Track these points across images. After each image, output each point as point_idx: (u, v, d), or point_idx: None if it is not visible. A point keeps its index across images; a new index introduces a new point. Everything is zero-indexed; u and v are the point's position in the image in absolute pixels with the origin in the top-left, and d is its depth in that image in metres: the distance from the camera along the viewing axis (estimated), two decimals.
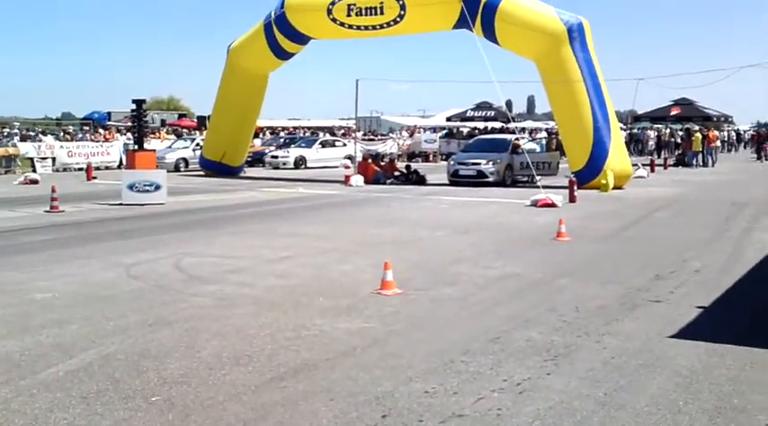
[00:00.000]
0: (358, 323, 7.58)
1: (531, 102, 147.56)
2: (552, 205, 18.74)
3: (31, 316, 7.80)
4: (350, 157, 34.96)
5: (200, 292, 9.04)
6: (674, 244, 13.02)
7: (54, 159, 34.90)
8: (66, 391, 5.60)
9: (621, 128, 34.03)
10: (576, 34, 24.03)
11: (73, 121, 62.70)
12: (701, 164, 39.17)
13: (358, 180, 26.70)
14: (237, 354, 6.53)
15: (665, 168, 36.72)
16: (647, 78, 28.49)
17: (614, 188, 23.39)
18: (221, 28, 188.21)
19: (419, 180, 27.64)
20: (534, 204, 19.09)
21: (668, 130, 50.06)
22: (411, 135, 51.22)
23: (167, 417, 5.15)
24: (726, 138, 58.04)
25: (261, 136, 48.68)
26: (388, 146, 44.29)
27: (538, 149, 29.38)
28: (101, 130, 44.61)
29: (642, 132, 53.05)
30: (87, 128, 47.67)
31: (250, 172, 34.23)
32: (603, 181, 23.17)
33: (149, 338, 7.02)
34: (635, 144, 49.38)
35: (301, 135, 50.00)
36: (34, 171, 31.94)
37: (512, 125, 35.91)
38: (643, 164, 32.25)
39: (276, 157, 38.57)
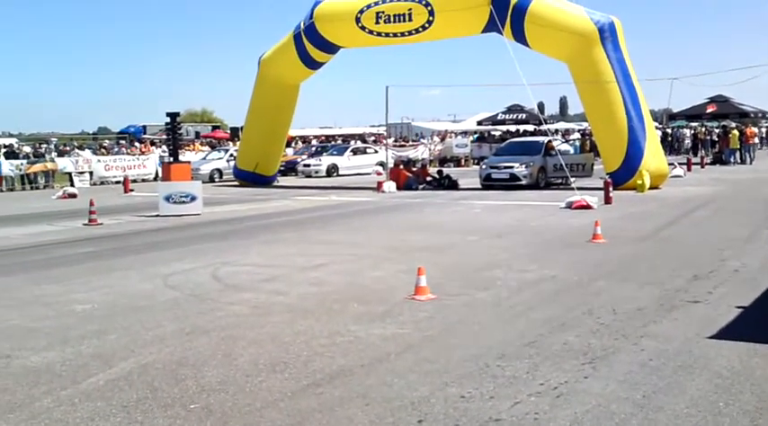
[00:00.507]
0: (392, 328, 7.59)
1: (563, 104, 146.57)
2: (587, 207, 18.61)
3: (71, 327, 7.92)
4: (381, 164, 35.04)
5: (236, 301, 9.11)
6: (713, 243, 12.86)
7: (91, 173, 35.44)
8: (106, 400, 5.68)
9: (656, 128, 33.68)
10: (607, 34, 23.86)
11: (109, 135, 63.54)
12: (739, 161, 38.65)
13: (390, 186, 26.74)
14: (274, 361, 6.57)
15: (702, 167, 36.28)
16: (682, 77, 28.25)
17: (651, 188, 23.16)
18: (252, 40, 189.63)
19: (451, 185, 27.61)
20: (569, 206, 18.97)
21: (704, 128, 49.45)
22: (442, 140, 51.17)
23: (206, 424, 5.20)
24: (764, 135, 57.14)
25: (293, 145, 48.98)
26: (419, 152, 44.28)
27: (571, 151, 29.19)
28: (137, 144, 45.14)
29: (678, 131, 52.49)
30: (123, 141, 48.26)
31: (283, 181, 34.44)
32: (639, 182, 22.95)
33: (187, 346, 7.09)
34: (671, 143, 48.86)
35: (333, 143, 50.19)
36: (72, 185, 32.40)
37: (544, 127, 35.66)
38: (679, 163, 31.90)
39: (308, 166, 38.78)
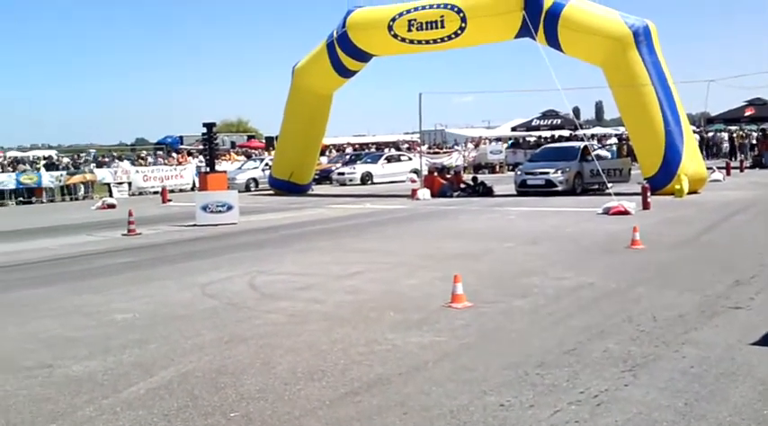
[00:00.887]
0: (429, 336, 7.58)
1: (599, 109, 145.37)
2: (625, 212, 18.43)
3: (111, 337, 8.01)
4: (416, 171, 35.03)
5: (273, 309, 9.16)
6: (754, 248, 12.68)
7: (130, 183, 35.87)
8: (147, 409, 5.74)
9: (694, 131, 33.31)
10: (642, 37, 23.66)
11: (147, 146, 64.26)
12: None
13: (425, 193, 26.73)
14: (311, 369, 6.59)
15: (742, 170, 35.76)
16: (719, 80, 27.92)
17: (689, 193, 22.87)
18: (286, 50, 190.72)
19: (486, 191, 27.52)
20: (606, 212, 18.81)
21: (742, 132, 48.80)
22: (476, 146, 51.06)
23: None
24: None
25: (327, 153, 49.17)
26: (453, 159, 44.22)
27: (608, 156, 28.92)
28: (174, 154, 45.61)
29: (716, 134, 51.86)
30: (161, 152, 48.78)
31: (318, 189, 34.58)
32: (678, 187, 22.70)
33: (226, 355, 7.14)
34: (709, 147, 48.29)
35: (367, 151, 50.29)
36: (111, 195, 32.82)
37: (580, 132, 35.42)
38: (718, 167, 31.49)
39: (343, 174, 38.90)
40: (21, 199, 32.48)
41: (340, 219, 20.97)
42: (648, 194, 20.06)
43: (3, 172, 33.14)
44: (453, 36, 26.53)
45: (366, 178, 38.34)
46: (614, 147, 42.37)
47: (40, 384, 6.46)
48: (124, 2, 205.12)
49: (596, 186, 26.10)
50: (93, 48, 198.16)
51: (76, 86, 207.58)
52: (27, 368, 6.91)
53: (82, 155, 41.86)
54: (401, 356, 6.93)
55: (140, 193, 35.88)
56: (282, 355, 7.09)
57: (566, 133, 51.17)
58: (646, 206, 19.67)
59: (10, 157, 40.25)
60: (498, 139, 55.76)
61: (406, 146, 56.37)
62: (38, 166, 35.85)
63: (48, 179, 33.42)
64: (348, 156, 45.64)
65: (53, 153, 55.58)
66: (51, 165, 36.86)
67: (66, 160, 40.27)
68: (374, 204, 25.53)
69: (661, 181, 23.11)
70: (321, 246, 15.11)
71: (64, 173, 34.70)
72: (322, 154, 41.47)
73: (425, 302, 9.19)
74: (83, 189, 34.68)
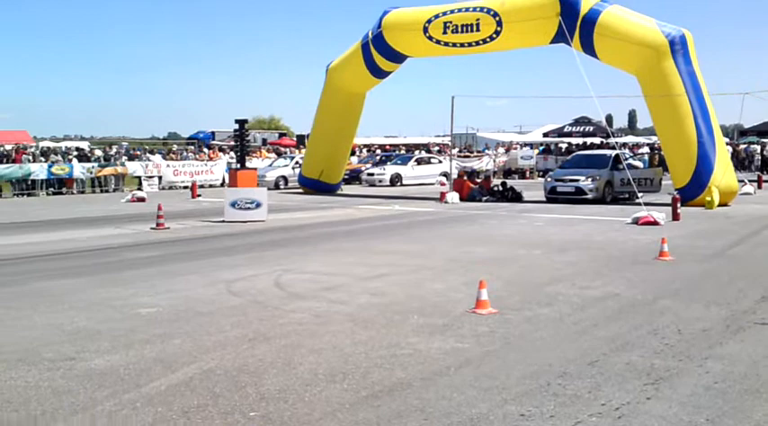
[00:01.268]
0: (452, 342, 7.55)
1: (632, 117, 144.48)
2: (654, 223, 18.27)
3: (135, 331, 8.07)
4: (445, 174, 34.96)
5: (298, 308, 9.18)
6: None
7: (160, 178, 36.14)
8: (167, 405, 5.77)
9: (726, 143, 32.94)
10: (678, 47, 23.42)
11: (178, 141, 64.72)
12: None
13: (453, 197, 26.66)
14: (333, 371, 6.60)
15: None
16: (754, 92, 27.62)
17: (719, 205, 22.64)
18: (320, 48, 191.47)
19: (515, 197, 27.41)
20: (635, 222, 18.65)
21: None
22: (507, 151, 50.88)
23: None
24: None
25: (357, 153, 49.23)
26: (483, 163, 44.09)
27: (641, 165, 28.70)
28: (205, 150, 45.91)
29: (748, 147, 51.27)
30: (192, 147, 49.12)
31: (347, 189, 34.63)
32: (708, 198, 22.47)
33: (248, 354, 7.17)
34: (741, 159, 47.71)
35: (397, 152, 50.30)
36: (141, 189, 33.10)
37: (612, 140, 35.15)
38: (750, 180, 31.11)
39: (372, 175, 38.93)
40: (52, 189, 32.86)
41: (368, 220, 20.99)
42: (678, 205, 19.87)
43: (35, 162, 33.51)
44: (488, 40, 26.44)
45: (395, 179, 38.35)
46: (646, 157, 42.03)
47: (62, 376, 6.52)
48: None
49: (626, 195, 25.90)
50: (128, 42, 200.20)
51: (111, 79, 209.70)
52: (50, 360, 6.98)
53: (114, 147, 42.17)
54: (423, 361, 6.91)
55: (170, 187, 36.17)
56: (305, 355, 7.10)
57: (597, 140, 50.83)
58: (675, 217, 19.48)
59: (43, 147, 40.61)
60: (529, 145, 55.54)
61: (437, 148, 56.31)
62: (70, 157, 36.22)
63: (79, 170, 33.76)
64: (378, 157, 45.67)
65: (85, 144, 56.18)
66: (83, 157, 37.25)
67: (98, 152, 40.65)
68: (402, 206, 25.52)
69: (692, 192, 22.90)
70: (348, 247, 15.13)
71: (95, 164, 35.04)
72: (352, 154, 41.52)
73: (450, 307, 9.17)
74: (113, 181, 35.02)
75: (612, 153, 27.74)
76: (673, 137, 23.90)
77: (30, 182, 32.14)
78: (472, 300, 9.06)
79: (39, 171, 32.24)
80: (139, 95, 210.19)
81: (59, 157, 35.44)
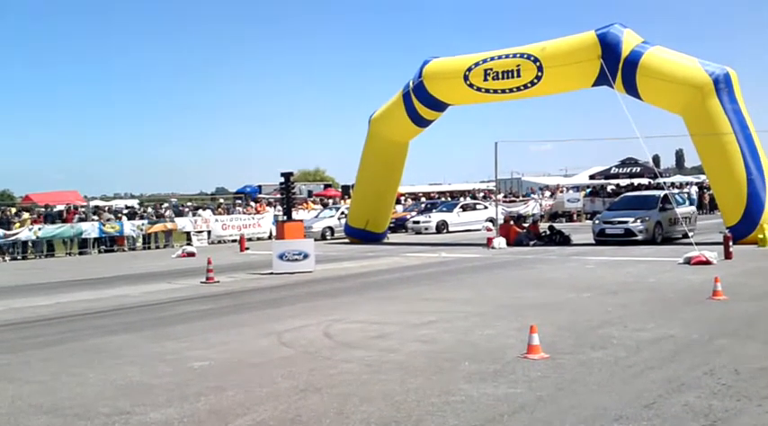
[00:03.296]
0: (504, 388, 7.48)
1: (679, 156, 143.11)
2: (707, 262, 18.00)
3: (189, 384, 8.14)
4: (491, 220, 34.88)
5: (348, 358, 9.18)
6: None
7: (209, 232, 36.62)
8: None
9: None
10: (722, 85, 23.28)
11: (226, 195, 65.57)
12: None
13: (500, 242, 26.56)
14: (385, 420, 6.57)
15: None
16: None
17: None
18: (363, 100, 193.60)
19: (563, 240, 27.22)
20: (687, 262, 18.39)
21: None
22: (552, 194, 50.63)
23: None
24: None
25: (402, 202, 49.37)
26: (529, 207, 43.91)
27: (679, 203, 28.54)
28: (252, 203, 46.44)
29: None
30: (240, 201, 49.74)
31: (393, 237, 34.70)
32: (761, 236, 22.10)
33: (300, 404, 7.17)
34: None
35: (442, 199, 50.36)
36: (191, 244, 33.54)
37: (660, 180, 34.85)
38: None
39: (418, 222, 38.99)
40: (103, 247, 33.48)
41: (415, 268, 20.98)
42: (731, 243, 19.55)
43: (86, 221, 34.23)
44: (530, 85, 26.54)
45: (441, 226, 38.37)
46: (683, 195, 41.59)
47: None
48: (207, 52, 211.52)
49: (678, 235, 25.60)
50: (173, 98, 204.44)
51: (158, 137, 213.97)
52: (105, 415, 7.06)
53: (163, 205, 42.89)
54: (475, 408, 6.85)
55: (219, 242, 36.60)
56: (357, 405, 7.08)
57: (645, 181, 50.34)
58: (728, 256, 19.17)
59: (93, 206, 41.48)
60: (576, 187, 55.21)
61: (482, 194, 56.25)
62: (120, 215, 36.95)
63: (129, 227, 34.39)
64: (424, 205, 45.75)
65: (135, 202, 57.20)
66: (133, 214, 37.96)
67: (149, 210, 41.38)
68: (449, 253, 25.48)
69: (743, 230, 22.55)
70: (396, 295, 15.12)
71: (145, 221, 35.67)
72: (397, 202, 41.68)
73: (501, 353, 9.09)
74: (163, 237, 35.56)
75: (661, 193, 27.48)
76: (722, 175, 23.63)
77: (82, 241, 32.79)
78: (523, 345, 8.98)
79: (90, 229, 32.89)
80: (187, 152, 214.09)
81: (111, 216, 36.12)
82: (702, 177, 52.33)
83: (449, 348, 9.55)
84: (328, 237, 36.38)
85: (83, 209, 37.81)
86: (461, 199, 49.45)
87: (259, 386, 7.90)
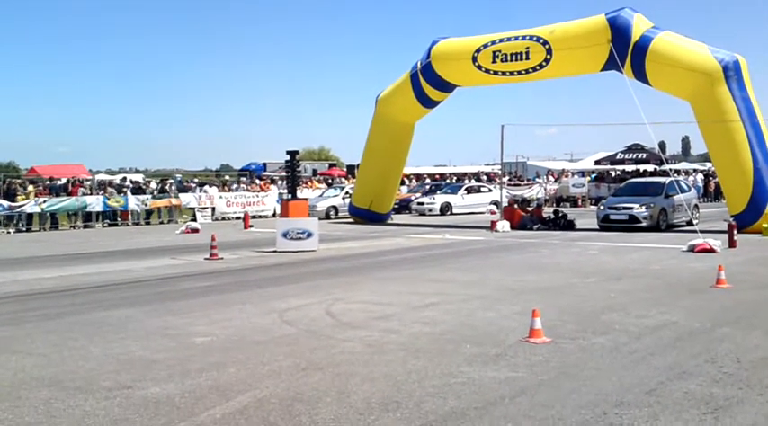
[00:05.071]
0: (506, 371, 7.49)
1: (685, 143, 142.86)
2: (711, 250, 17.97)
3: (190, 360, 8.16)
4: (495, 203, 34.84)
5: (350, 337, 9.19)
6: None
7: (213, 209, 36.63)
8: None
9: None
10: (731, 72, 23.14)
11: (231, 172, 65.55)
12: None
13: (504, 225, 26.53)
14: (386, 400, 6.58)
15: None
16: None
17: None
18: (370, 79, 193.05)
19: (567, 225, 27.18)
20: (691, 249, 18.37)
21: None
22: (557, 179, 50.53)
23: None
24: None
25: (407, 183, 49.33)
26: (534, 191, 43.85)
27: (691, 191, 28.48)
28: (257, 181, 46.45)
29: None
30: (245, 178, 49.73)
31: (397, 218, 34.69)
32: (765, 225, 22.05)
33: (302, 382, 7.19)
34: None
35: (447, 181, 50.30)
36: (195, 220, 33.57)
37: (665, 167, 34.74)
38: None
39: (422, 204, 38.97)
40: (107, 221, 33.53)
41: (418, 249, 20.98)
42: (735, 232, 19.51)
43: (91, 194, 34.25)
44: (538, 68, 26.42)
45: (445, 208, 38.34)
46: (700, 183, 41.43)
47: (119, 405, 6.61)
48: (216, 31, 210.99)
49: (683, 222, 25.57)
50: (180, 76, 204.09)
51: (165, 112, 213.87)
52: (106, 389, 7.08)
53: (168, 180, 42.90)
54: (477, 390, 6.86)
55: (223, 218, 36.63)
56: (358, 384, 7.09)
57: (651, 168, 50.24)
58: (732, 244, 19.13)
59: (99, 180, 41.52)
60: (581, 172, 55.12)
61: (487, 177, 56.19)
62: (124, 190, 37.00)
63: (134, 202, 34.41)
64: (428, 186, 45.71)
65: (140, 177, 57.22)
66: (138, 189, 37.98)
67: (153, 185, 41.40)
68: (453, 235, 25.47)
69: (748, 218, 22.49)
70: (399, 276, 15.13)
71: (149, 197, 35.69)
72: (402, 183, 41.63)
73: (503, 336, 9.10)
74: (168, 213, 35.60)
75: (667, 180, 27.42)
76: (728, 163, 23.53)
77: (86, 214, 32.83)
78: (526, 329, 8.99)
79: (95, 203, 32.92)
80: (192, 127, 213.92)
81: (114, 191, 36.15)
82: (708, 165, 52.28)
83: (450, 330, 9.56)
84: (332, 217, 36.38)
85: (88, 183, 37.85)
86: (466, 181, 49.38)
87: (261, 364, 7.91)
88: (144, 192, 37.09)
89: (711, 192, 48.67)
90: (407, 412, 6.26)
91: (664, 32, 24.37)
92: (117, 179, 46.81)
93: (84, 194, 34.03)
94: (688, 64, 23.59)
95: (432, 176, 58.63)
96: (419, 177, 57.12)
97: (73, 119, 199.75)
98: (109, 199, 33.57)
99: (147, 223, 34.82)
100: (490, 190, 40.91)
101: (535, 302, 10.77)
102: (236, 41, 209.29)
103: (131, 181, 42.99)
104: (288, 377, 7.37)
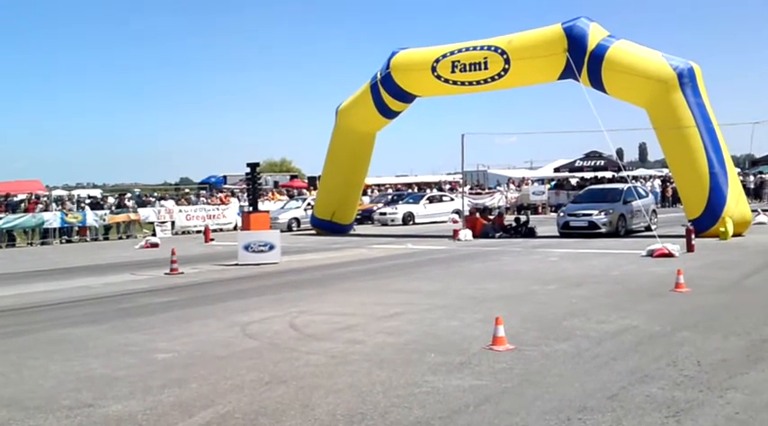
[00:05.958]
0: (470, 380, 7.50)
1: (642, 150, 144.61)
2: (669, 255, 18.21)
3: (152, 376, 8.06)
4: (457, 212, 34.98)
5: (314, 350, 9.15)
6: None
7: (173, 223, 36.28)
8: None
9: (738, 173, 32.88)
10: (686, 79, 23.51)
11: (191, 186, 65.03)
12: None
13: (466, 234, 26.65)
14: (351, 412, 6.55)
15: None
16: (764, 121, 27.66)
17: (734, 235, 22.57)
18: (330, 90, 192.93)
19: (529, 232, 27.38)
20: (650, 254, 18.59)
21: None
22: (518, 187, 50.92)
23: None
24: None
25: (369, 193, 49.33)
26: (495, 200, 44.11)
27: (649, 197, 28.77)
28: (217, 194, 46.09)
29: (759, 176, 51.18)
30: (204, 192, 49.34)
31: (359, 229, 34.66)
32: (722, 229, 22.40)
33: (265, 396, 7.13)
34: (754, 189, 47.65)
35: (409, 191, 50.39)
36: (154, 234, 33.22)
37: (623, 173, 35.18)
38: (763, 210, 30.98)
39: (384, 214, 38.98)
40: (65, 237, 33.05)
41: (381, 260, 20.97)
42: (693, 236, 19.79)
43: (48, 210, 33.76)
44: (497, 77, 26.62)
45: (408, 218, 38.39)
46: (657, 189, 41.95)
47: (79, 423, 6.50)
48: (173, 43, 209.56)
49: (642, 228, 25.87)
50: (136, 87, 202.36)
51: (122, 126, 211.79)
52: (67, 408, 6.96)
53: (126, 195, 42.44)
54: (441, 399, 6.86)
55: (183, 232, 36.29)
56: (322, 397, 7.06)
57: (609, 174, 50.83)
58: (690, 248, 19.41)
59: (56, 196, 40.96)
60: (541, 180, 55.61)
61: (448, 186, 56.39)
62: (82, 205, 36.50)
63: (92, 218, 33.97)
64: (390, 196, 45.75)
65: (98, 192, 56.53)
66: (96, 205, 37.51)
67: (111, 200, 40.90)
68: (416, 244, 25.51)
69: (705, 223, 22.84)
70: (362, 287, 15.11)
71: (107, 212, 35.27)
72: (364, 193, 41.63)
73: (466, 344, 9.12)
74: (126, 228, 35.19)
75: (625, 186, 27.75)
76: (684, 169, 23.87)
77: (43, 231, 32.34)
78: (489, 337, 9.02)
79: (52, 219, 32.46)
80: (151, 141, 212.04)
81: (73, 206, 35.66)
82: (665, 171, 53.00)
83: (414, 339, 9.56)
84: (294, 229, 36.26)
85: (44, 199, 37.29)
86: (428, 190, 49.52)
87: (224, 379, 7.84)
88: (102, 207, 36.62)
89: (669, 198, 49.34)
90: (372, 423, 6.25)
91: (619, 41, 24.70)
92: (75, 194, 46.23)
93: (41, 210, 33.52)
94: (643, 71, 23.92)
95: (394, 186, 58.71)
96: (381, 187, 57.16)
97: (28, 134, 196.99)
98: (66, 215, 33.12)
99: (106, 238, 34.43)
100: (452, 200, 41.08)
101: (498, 310, 10.82)
102: (194, 54, 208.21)
103: (89, 196, 42.45)
104: (251, 392, 7.31)
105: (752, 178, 49.94)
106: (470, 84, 27.49)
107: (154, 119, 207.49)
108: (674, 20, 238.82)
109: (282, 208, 39.63)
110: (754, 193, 46.64)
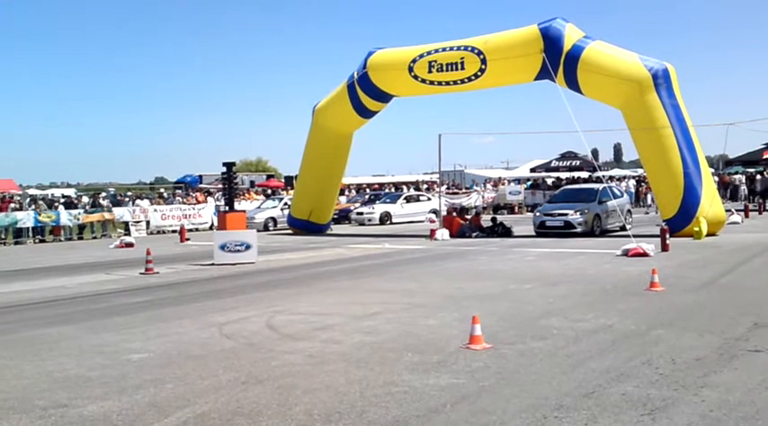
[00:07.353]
0: (447, 378, 7.52)
1: (617, 150, 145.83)
2: (644, 254, 18.35)
3: (127, 377, 8.00)
4: (434, 211, 35.06)
5: (291, 349, 9.13)
6: None
7: (148, 222, 36.05)
8: None
9: (712, 174, 33.21)
10: (661, 80, 23.70)
11: (166, 185, 64.68)
12: None
13: (443, 234, 26.72)
14: (328, 411, 6.54)
15: (761, 213, 35.58)
16: (738, 122, 27.94)
17: (708, 235, 22.80)
18: (307, 89, 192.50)
19: (505, 232, 27.49)
20: (625, 254, 18.73)
21: (760, 175, 48.52)
22: (495, 187, 51.11)
23: None
24: None
25: (346, 193, 49.31)
26: (472, 200, 44.27)
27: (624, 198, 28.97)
28: (193, 193, 45.87)
29: (734, 176, 51.71)
30: (180, 191, 49.07)
31: (336, 229, 34.63)
32: (696, 229, 22.61)
33: (242, 396, 7.11)
34: (727, 189, 48.09)
35: (386, 191, 50.43)
36: (129, 234, 33.00)
37: (598, 174, 35.44)
38: (737, 210, 31.33)
39: (362, 214, 38.99)
40: (39, 237, 32.75)
41: (359, 259, 20.97)
42: (667, 236, 19.96)
43: (21, 210, 33.42)
44: (473, 77, 26.69)
45: (385, 218, 38.42)
46: (632, 189, 42.25)
47: (54, 424, 6.45)
48: (148, 41, 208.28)
49: (616, 228, 26.06)
50: (111, 87, 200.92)
51: (96, 125, 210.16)
52: (41, 408, 6.90)
53: (101, 194, 42.12)
54: (418, 398, 6.87)
55: (159, 232, 36.06)
56: (299, 396, 7.04)
57: (584, 174, 51.16)
58: (665, 248, 19.57)
59: (29, 195, 40.59)
60: (517, 180, 55.87)
61: (426, 186, 56.51)
62: (56, 205, 36.16)
63: (66, 217, 33.67)
64: (367, 196, 45.76)
65: (72, 191, 56.09)
66: (70, 204, 37.19)
67: (85, 199, 40.57)
68: (393, 244, 25.52)
69: (680, 223, 23.04)
70: (339, 286, 15.10)
71: (82, 211, 34.98)
72: (341, 193, 41.61)
73: (444, 343, 9.14)
74: (101, 227, 34.92)
75: (600, 186, 27.93)
76: (659, 169, 24.07)
77: (16, 230, 32.02)
78: (466, 336, 9.04)
79: (25, 219, 32.14)
80: (125, 140, 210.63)
81: (45, 206, 35.33)
82: (640, 171, 53.38)
83: (392, 339, 9.56)
84: (271, 228, 36.17)
85: (18, 198, 36.93)
86: (405, 190, 49.59)
87: (200, 379, 7.80)
88: (76, 207, 36.30)
89: (643, 198, 49.68)
90: (350, 422, 6.24)
91: (595, 42, 24.85)
92: (49, 193, 45.83)
93: (14, 210, 33.16)
94: (618, 72, 24.09)
95: (371, 186, 58.73)
96: (358, 187, 57.16)
97: (1, 133, 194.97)
98: (40, 215, 32.81)
99: (80, 238, 34.14)
100: (429, 199, 41.17)
101: (475, 309, 10.86)
102: (170, 54, 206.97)
103: (63, 196, 42.09)
104: (228, 392, 7.28)
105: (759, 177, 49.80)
106: (447, 84, 27.55)
107: (128, 119, 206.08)
108: (650, 22, 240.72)
109: (259, 207, 39.53)
110: (730, 193, 47.05)
